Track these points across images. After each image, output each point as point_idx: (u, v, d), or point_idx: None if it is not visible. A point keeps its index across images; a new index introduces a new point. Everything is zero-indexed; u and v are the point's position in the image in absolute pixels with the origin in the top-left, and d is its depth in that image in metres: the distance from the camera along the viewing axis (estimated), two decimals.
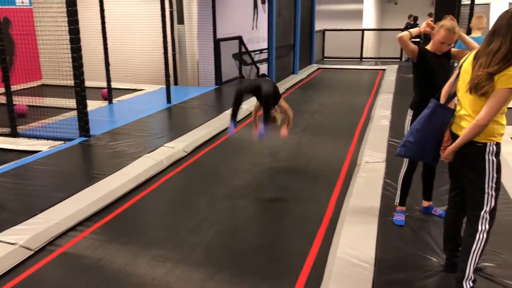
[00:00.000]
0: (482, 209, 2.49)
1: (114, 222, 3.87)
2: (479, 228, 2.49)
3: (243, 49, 11.38)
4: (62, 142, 5.97)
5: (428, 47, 3.37)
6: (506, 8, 16.43)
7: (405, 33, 3.33)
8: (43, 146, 5.81)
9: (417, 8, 19.31)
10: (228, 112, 6.10)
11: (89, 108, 6.09)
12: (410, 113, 3.50)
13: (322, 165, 5.22)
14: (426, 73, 3.37)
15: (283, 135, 4.81)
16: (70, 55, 5.75)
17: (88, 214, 3.88)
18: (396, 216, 3.59)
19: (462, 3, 9.93)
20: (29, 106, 7.54)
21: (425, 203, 3.73)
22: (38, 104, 7.49)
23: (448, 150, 2.58)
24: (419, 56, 3.36)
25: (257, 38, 13.75)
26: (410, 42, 3.34)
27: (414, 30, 3.42)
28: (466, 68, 2.54)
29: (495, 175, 2.47)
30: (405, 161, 3.54)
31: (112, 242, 3.48)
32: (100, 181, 4.46)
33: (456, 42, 6.50)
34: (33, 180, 4.56)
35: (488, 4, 17.45)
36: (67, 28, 5.66)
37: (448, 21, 3.22)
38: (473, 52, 2.53)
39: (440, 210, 3.61)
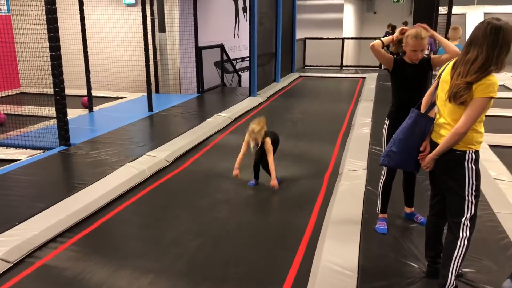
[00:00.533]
0: (463, 216, 2.53)
1: (95, 233, 3.81)
2: (461, 235, 2.53)
3: (225, 57, 11.41)
4: (41, 151, 5.87)
5: (405, 57, 3.42)
6: (481, 17, 16.82)
7: (377, 41, 3.36)
8: (22, 155, 5.70)
9: (396, 17, 19.67)
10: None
11: (69, 117, 6.00)
12: (386, 122, 3.53)
13: (304, 174, 5.24)
14: (402, 83, 3.40)
15: (274, 186, 4.66)
16: (49, 63, 5.67)
17: (69, 225, 3.82)
18: (378, 224, 3.62)
19: (440, 13, 10.16)
20: (7, 114, 7.40)
21: (407, 209, 3.78)
22: (16, 113, 7.35)
23: (428, 158, 2.62)
24: (394, 66, 3.39)
25: (239, 46, 13.81)
26: (382, 50, 3.37)
27: (387, 39, 3.46)
28: (444, 77, 2.59)
29: (474, 182, 2.51)
30: (384, 169, 3.57)
31: (93, 254, 3.43)
32: (80, 191, 4.39)
33: (439, 48, 6.61)
34: (12, 190, 4.46)
35: (464, 14, 17.89)
36: (46, 36, 5.59)
37: (412, 30, 3.28)
38: (452, 62, 2.59)
39: (422, 218, 3.65)
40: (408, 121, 2.75)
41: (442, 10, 9.79)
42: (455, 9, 9.08)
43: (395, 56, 3.46)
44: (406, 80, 3.37)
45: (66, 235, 3.71)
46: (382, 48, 3.37)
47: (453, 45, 3.24)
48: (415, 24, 3.34)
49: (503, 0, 18.99)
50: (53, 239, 3.62)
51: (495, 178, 4.67)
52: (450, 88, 2.48)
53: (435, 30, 10.44)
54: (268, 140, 4.68)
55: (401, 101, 3.38)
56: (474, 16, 17.80)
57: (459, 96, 2.42)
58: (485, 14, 17.93)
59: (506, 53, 2.39)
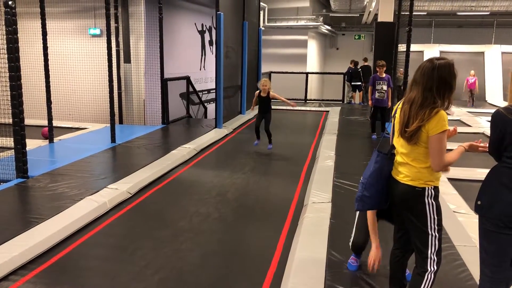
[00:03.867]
0: (428, 250, 2.57)
1: (52, 269, 3.64)
2: (428, 269, 2.57)
3: (191, 89, 11.44)
4: None
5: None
6: (437, 55, 17.58)
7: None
8: None
9: (358, 53, 20.43)
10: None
11: (28, 148, 5.82)
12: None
13: (270, 206, 5.23)
14: None
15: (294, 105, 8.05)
16: (8, 92, 5.51)
17: (23, 261, 3.64)
18: (351, 259, 3.53)
19: (399, 50, 10.59)
20: None
21: None
22: None
23: None
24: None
25: (205, 78, 13.91)
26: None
27: None
28: (397, 118, 2.67)
29: (436, 217, 2.57)
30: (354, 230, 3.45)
31: None
32: (37, 225, 4.22)
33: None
34: None
35: (421, 51, 18.76)
36: (7, 65, 5.46)
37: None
38: (401, 103, 2.67)
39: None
40: (375, 165, 2.75)
41: (401, 47, 10.20)
42: (413, 47, 9.48)
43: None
44: None
45: (20, 273, 3.52)
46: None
47: None
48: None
49: (456, 39, 20.29)
50: (5, 277, 3.43)
51: (454, 211, 4.80)
52: (401, 128, 2.56)
53: (394, 66, 10.89)
54: (273, 93, 7.55)
55: None
56: (430, 54, 18.65)
57: (411, 138, 2.51)
58: (441, 52, 18.89)
59: (449, 90, 2.48)
